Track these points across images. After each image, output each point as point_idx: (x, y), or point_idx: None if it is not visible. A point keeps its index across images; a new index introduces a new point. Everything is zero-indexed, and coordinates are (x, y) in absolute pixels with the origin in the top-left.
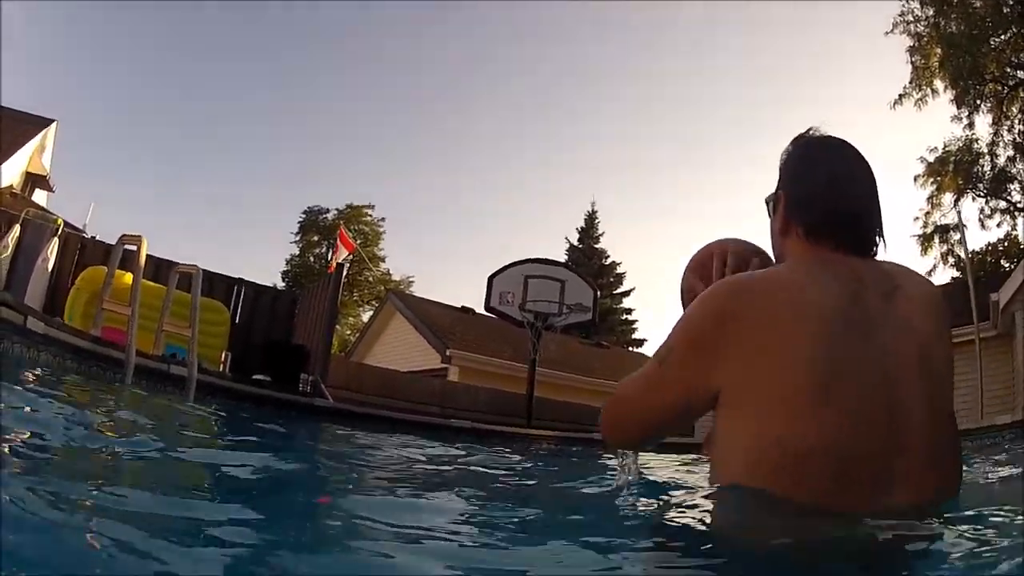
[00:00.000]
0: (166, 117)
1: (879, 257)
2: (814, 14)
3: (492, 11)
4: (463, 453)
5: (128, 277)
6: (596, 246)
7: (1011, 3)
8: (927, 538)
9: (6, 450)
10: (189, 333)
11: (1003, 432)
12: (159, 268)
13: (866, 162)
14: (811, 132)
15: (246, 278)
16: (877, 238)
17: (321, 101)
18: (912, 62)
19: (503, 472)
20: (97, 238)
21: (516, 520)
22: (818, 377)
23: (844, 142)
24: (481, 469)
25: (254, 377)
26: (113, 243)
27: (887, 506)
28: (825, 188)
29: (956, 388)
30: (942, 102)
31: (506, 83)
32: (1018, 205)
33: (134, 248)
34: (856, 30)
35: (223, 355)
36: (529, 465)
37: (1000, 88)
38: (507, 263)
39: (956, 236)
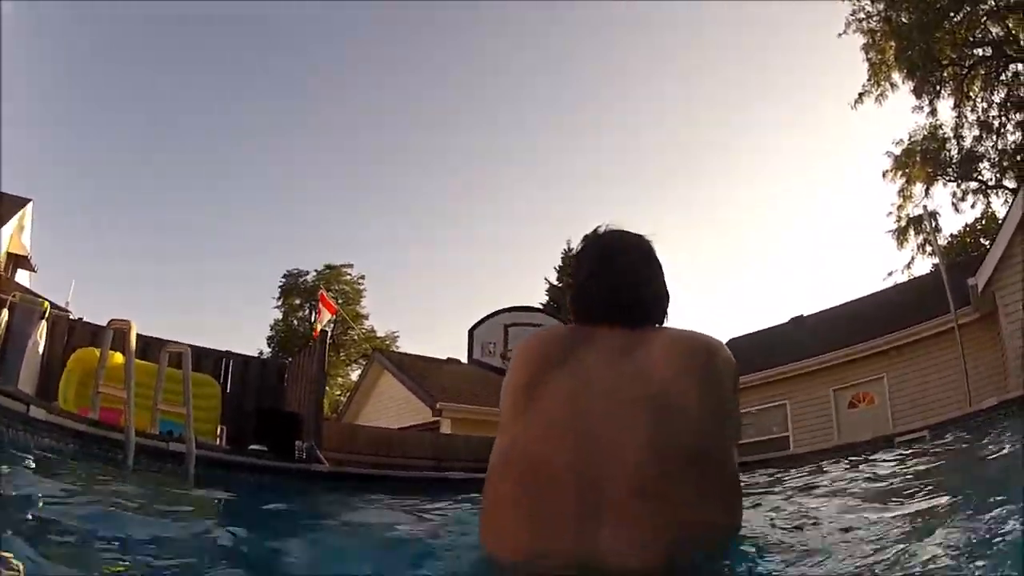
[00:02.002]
0: (123, 184)
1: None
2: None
3: (473, 51)
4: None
5: (118, 357)
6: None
7: None
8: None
9: (21, 535)
10: (183, 410)
11: (988, 415)
12: (147, 346)
13: (634, 252)
14: (599, 229)
15: (232, 349)
16: (647, 310)
17: (286, 164)
18: (868, 59)
19: None
20: (84, 319)
21: None
22: (521, 402)
23: (616, 236)
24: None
25: (251, 448)
26: (99, 323)
27: (597, 521)
28: (584, 283)
29: (944, 376)
30: (902, 94)
31: (472, 125)
32: (989, 183)
33: (123, 330)
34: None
35: (218, 428)
36: None
37: (958, 70)
38: (486, 314)
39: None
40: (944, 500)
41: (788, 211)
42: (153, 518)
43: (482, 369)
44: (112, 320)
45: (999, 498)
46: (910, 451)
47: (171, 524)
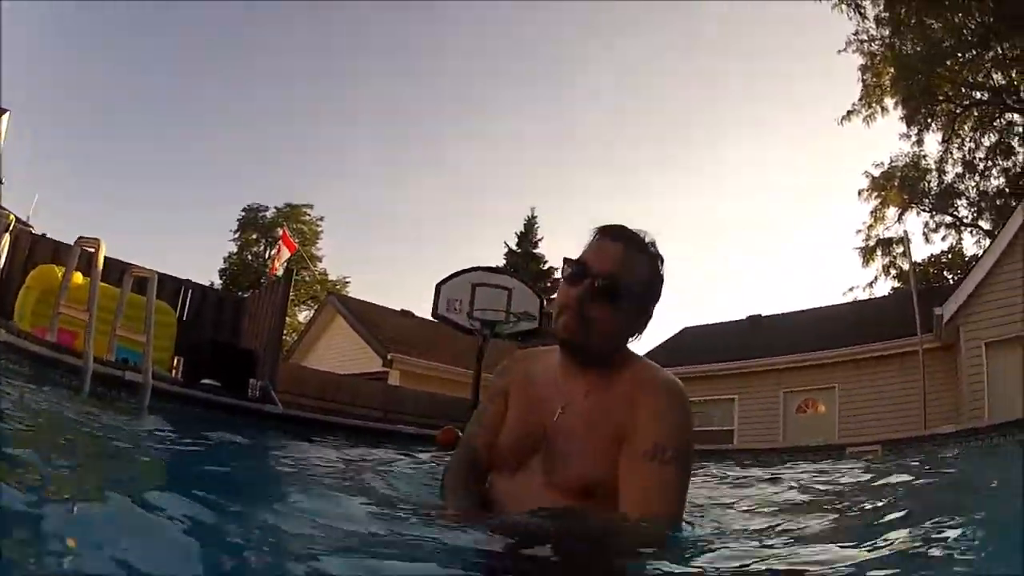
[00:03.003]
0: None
1: None
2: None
3: (440, 10)
4: (404, 458)
5: (78, 277)
6: (534, 251)
7: (972, 27)
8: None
9: None
10: (143, 338)
11: (947, 440)
12: (109, 269)
13: None
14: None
15: (191, 279)
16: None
17: (260, 100)
18: (863, 80)
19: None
20: (47, 235)
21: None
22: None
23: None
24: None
25: (203, 382)
26: (61, 240)
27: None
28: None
29: (895, 396)
30: (891, 119)
31: (443, 81)
32: (964, 220)
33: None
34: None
35: (174, 360)
36: None
37: (953, 107)
38: (455, 271)
39: (899, 249)
40: (887, 516)
41: (756, 211)
42: (105, 448)
43: (444, 324)
44: (81, 238)
45: (944, 522)
46: (860, 463)
47: (123, 455)
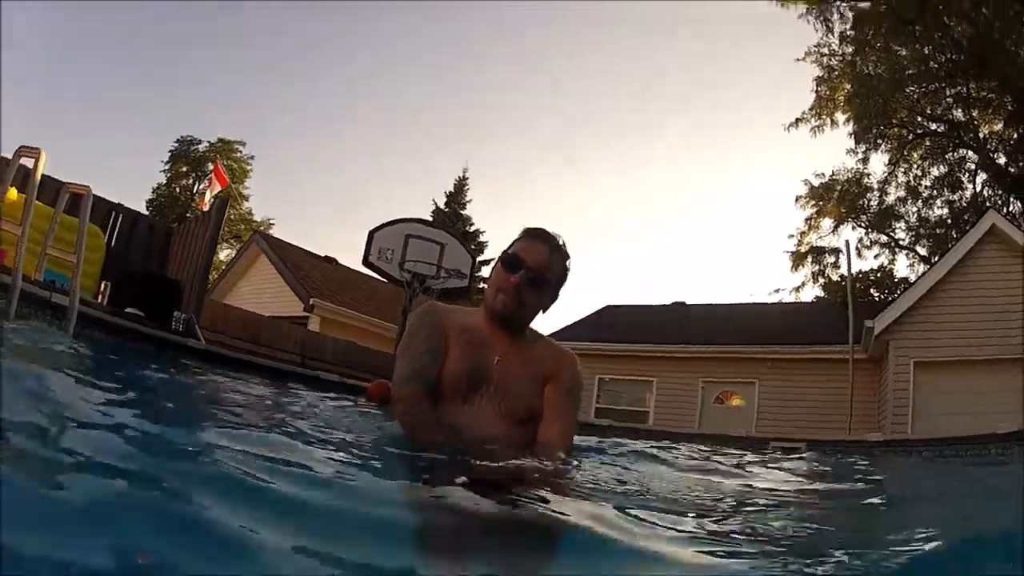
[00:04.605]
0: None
1: None
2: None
3: None
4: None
5: (13, 193)
6: (462, 212)
7: (942, 60)
8: None
9: None
10: (72, 260)
11: (870, 448)
12: (42, 188)
13: None
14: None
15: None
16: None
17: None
18: (817, 91)
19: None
20: None
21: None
22: None
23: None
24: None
25: (127, 310)
26: None
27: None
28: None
29: (824, 401)
30: (840, 133)
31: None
32: (901, 242)
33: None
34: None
35: (102, 285)
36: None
37: (905, 133)
38: (390, 220)
39: (831, 259)
40: (805, 513)
41: (688, 198)
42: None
43: (358, 272)
44: (22, 147)
45: (858, 529)
46: (783, 459)
47: (44, 382)
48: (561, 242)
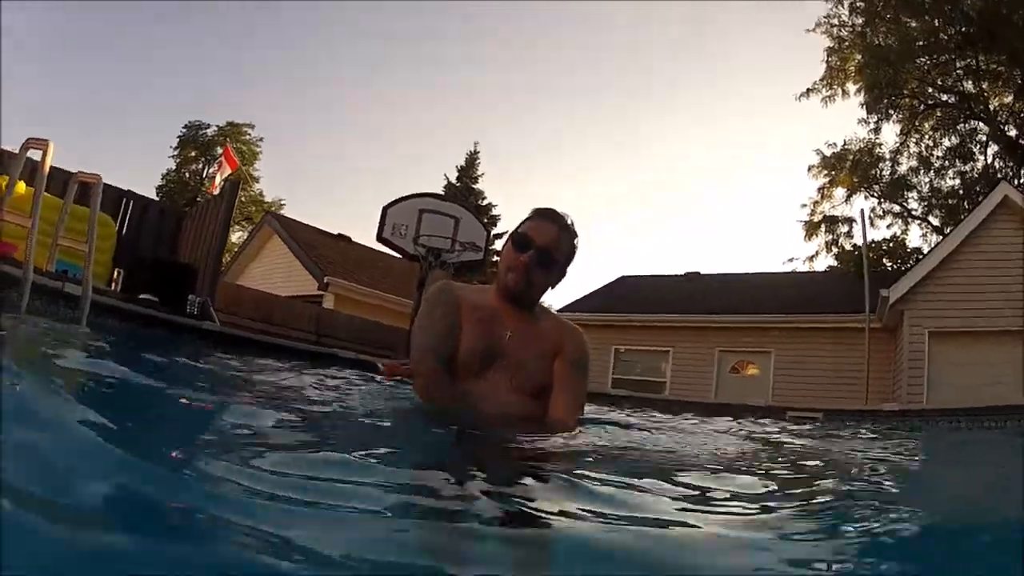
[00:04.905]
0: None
1: None
2: None
3: None
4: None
5: (21, 187)
6: (474, 186)
7: (951, 32)
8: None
9: None
10: (84, 249)
11: (886, 417)
12: (51, 179)
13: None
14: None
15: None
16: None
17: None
18: (828, 62)
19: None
20: None
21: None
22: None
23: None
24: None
25: (141, 296)
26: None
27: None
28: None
29: (831, 368)
30: (851, 103)
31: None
32: (913, 212)
33: (39, 153)
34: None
35: (114, 273)
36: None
37: (916, 104)
38: (403, 195)
39: (844, 229)
40: (818, 484)
41: (703, 169)
42: (43, 364)
43: (372, 248)
44: (30, 139)
45: (873, 499)
46: (799, 428)
47: (62, 372)
48: (569, 221)
